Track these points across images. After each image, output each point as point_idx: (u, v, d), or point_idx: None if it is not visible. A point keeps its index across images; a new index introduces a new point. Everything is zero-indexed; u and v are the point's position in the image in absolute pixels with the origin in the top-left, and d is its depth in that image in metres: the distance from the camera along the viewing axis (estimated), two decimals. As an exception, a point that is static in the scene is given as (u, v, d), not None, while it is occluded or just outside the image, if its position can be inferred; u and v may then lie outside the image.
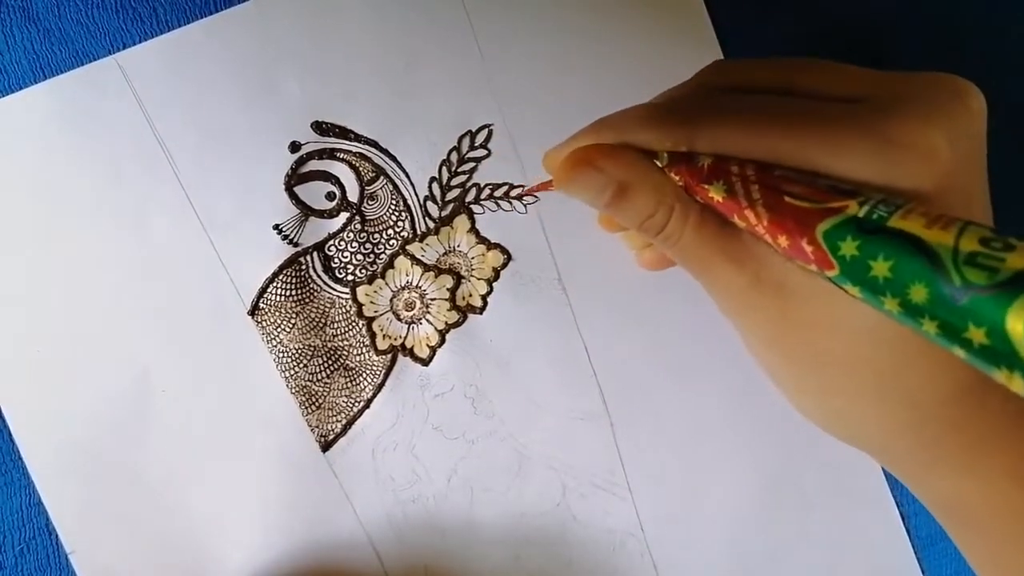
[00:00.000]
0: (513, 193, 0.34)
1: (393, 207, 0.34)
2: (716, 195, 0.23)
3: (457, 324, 0.34)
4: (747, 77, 0.26)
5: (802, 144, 0.23)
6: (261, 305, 0.34)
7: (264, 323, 0.34)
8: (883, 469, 0.35)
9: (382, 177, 0.34)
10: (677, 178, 0.24)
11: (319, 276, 0.34)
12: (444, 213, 0.34)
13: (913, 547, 0.35)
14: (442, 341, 0.34)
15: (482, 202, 0.34)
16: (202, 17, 0.33)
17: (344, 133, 0.33)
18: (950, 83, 0.24)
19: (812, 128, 0.23)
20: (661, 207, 0.25)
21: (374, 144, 0.33)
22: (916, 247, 0.19)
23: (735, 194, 0.23)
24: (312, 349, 0.34)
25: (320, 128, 0.33)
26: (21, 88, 0.33)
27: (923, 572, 0.35)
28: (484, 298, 0.34)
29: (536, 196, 0.34)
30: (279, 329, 0.34)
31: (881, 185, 0.22)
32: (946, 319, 0.18)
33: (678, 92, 0.27)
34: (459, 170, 0.34)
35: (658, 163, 0.24)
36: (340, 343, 0.34)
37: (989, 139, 0.24)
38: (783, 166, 0.23)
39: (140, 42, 0.33)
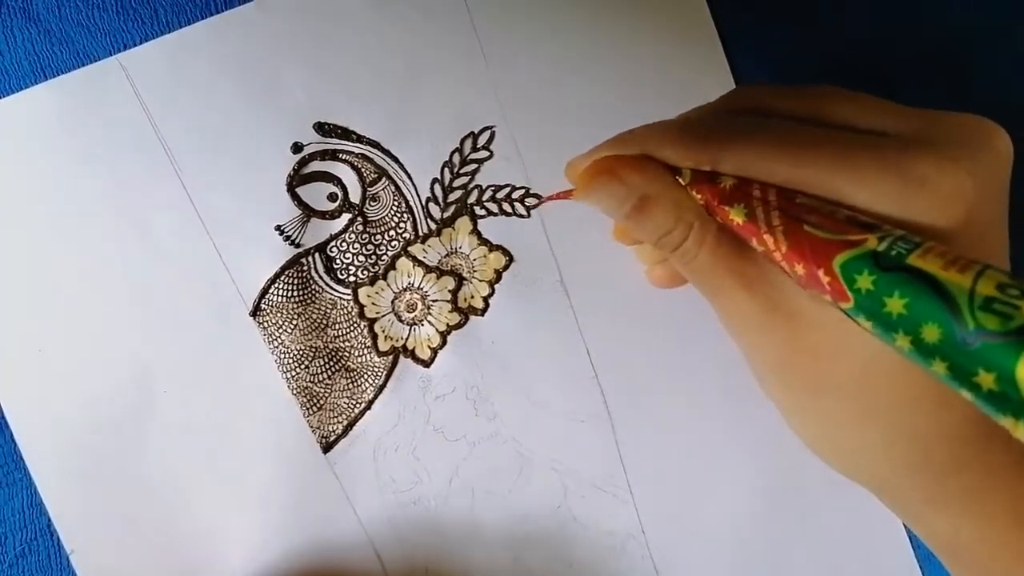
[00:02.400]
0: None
1: (395, 208, 0.34)
2: (736, 217, 0.23)
3: (459, 326, 0.34)
4: (771, 103, 0.26)
5: (826, 172, 0.23)
6: (263, 306, 0.34)
7: (265, 324, 0.34)
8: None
9: (384, 178, 0.34)
10: (698, 196, 0.24)
11: (321, 277, 0.34)
12: (446, 214, 0.34)
13: (913, 548, 0.35)
14: (443, 343, 0.34)
15: (484, 204, 0.34)
16: (203, 18, 0.33)
17: (346, 134, 0.33)
18: (978, 125, 0.25)
19: (837, 157, 0.23)
20: (680, 224, 0.25)
21: (376, 145, 0.33)
22: (932, 287, 0.19)
23: (755, 218, 0.23)
24: (313, 350, 0.34)
25: (322, 129, 0.33)
26: (22, 89, 0.33)
27: (923, 573, 0.35)
28: (486, 300, 0.34)
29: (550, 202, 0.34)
30: (280, 330, 0.34)
31: (901, 220, 0.22)
32: (957, 361, 0.18)
33: (702, 112, 0.27)
34: (461, 172, 0.34)
35: (680, 180, 0.24)
36: (341, 344, 0.34)
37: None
38: (806, 193, 0.23)
39: (141, 43, 0.33)
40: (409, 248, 0.34)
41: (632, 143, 0.25)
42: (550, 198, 0.29)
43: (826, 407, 0.25)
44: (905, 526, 0.35)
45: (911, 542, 0.35)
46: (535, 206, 0.34)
